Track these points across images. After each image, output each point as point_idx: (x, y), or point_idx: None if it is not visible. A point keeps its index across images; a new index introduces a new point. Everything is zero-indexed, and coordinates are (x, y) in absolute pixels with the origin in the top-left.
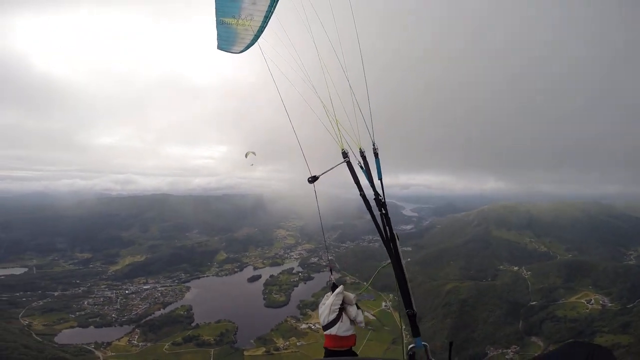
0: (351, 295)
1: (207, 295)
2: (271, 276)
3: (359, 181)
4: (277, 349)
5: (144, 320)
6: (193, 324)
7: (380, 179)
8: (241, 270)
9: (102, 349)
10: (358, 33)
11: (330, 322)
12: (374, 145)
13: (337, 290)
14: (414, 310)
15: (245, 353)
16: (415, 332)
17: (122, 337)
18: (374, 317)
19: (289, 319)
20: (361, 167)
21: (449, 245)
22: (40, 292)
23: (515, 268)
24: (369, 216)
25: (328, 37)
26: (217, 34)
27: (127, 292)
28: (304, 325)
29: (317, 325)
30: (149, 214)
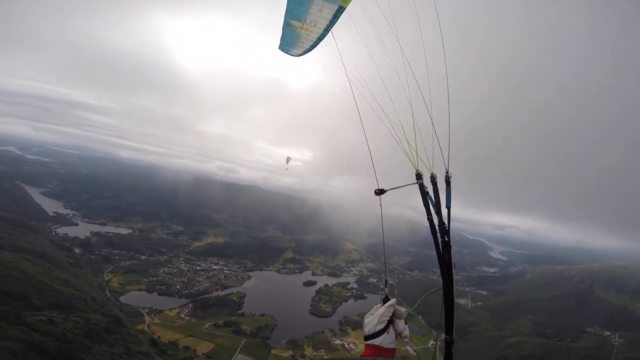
0: (402, 310)
1: (262, 288)
2: (325, 285)
3: (429, 205)
4: (303, 356)
5: (200, 297)
6: (239, 311)
7: (448, 207)
8: (301, 272)
9: (153, 314)
10: (443, 46)
11: (377, 332)
12: (447, 172)
13: (390, 302)
14: (453, 337)
15: (273, 351)
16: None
17: (174, 309)
18: (414, 352)
19: (326, 330)
20: (426, 191)
21: (532, 296)
22: (132, 253)
23: (607, 333)
24: None
25: (403, 54)
26: (282, 35)
27: (198, 268)
28: (338, 341)
29: (351, 345)
30: (240, 202)
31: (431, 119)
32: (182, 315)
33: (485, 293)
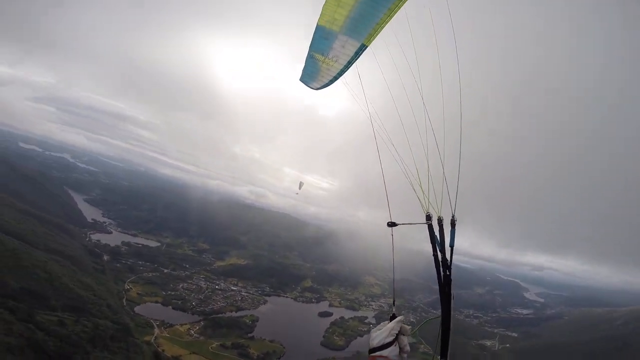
0: (407, 327)
1: (277, 314)
2: (341, 318)
3: (435, 242)
4: None
5: (212, 315)
6: (250, 334)
7: (451, 246)
8: (317, 302)
9: (163, 327)
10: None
11: (386, 344)
12: (453, 216)
13: (399, 318)
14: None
15: None
16: None
17: (186, 324)
18: None
19: None
20: (433, 231)
21: (568, 340)
22: (156, 265)
23: None
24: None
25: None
26: (304, 66)
27: (216, 287)
28: None
29: None
30: (267, 226)
31: (443, 168)
32: (192, 332)
33: (516, 335)
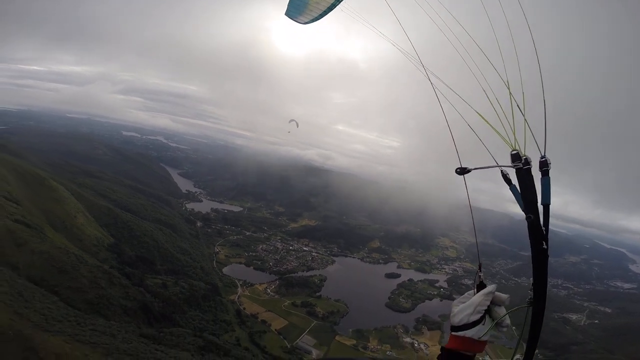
0: (504, 296)
1: (344, 274)
2: (410, 280)
3: (535, 196)
4: (365, 347)
5: (286, 275)
6: (317, 294)
7: (546, 203)
8: (385, 263)
9: (245, 287)
10: None
11: (471, 323)
12: (543, 157)
13: (488, 288)
14: None
15: (337, 337)
16: None
17: (264, 284)
18: None
19: (398, 326)
20: (509, 180)
21: None
22: (239, 229)
23: None
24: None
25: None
26: (290, 0)
27: (290, 248)
28: (408, 339)
29: (422, 345)
30: (335, 188)
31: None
32: (269, 291)
33: (609, 311)
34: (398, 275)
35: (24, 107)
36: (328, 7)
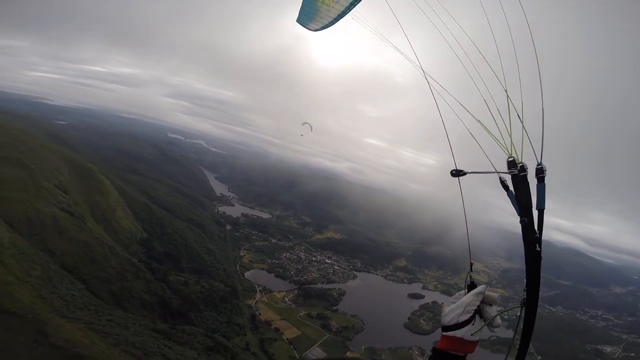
0: (495, 295)
1: (364, 290)
2: (434, 302)
3: (530, 201)
4: None
5: (306, 285)
6: (334, 307)
7: (540, 208)
8: (410, 283)
9: (264, 293)
10: None
11: (461, 322)
12: (539, 164)
13: (478, 289)
14: None
15: (348, 353)
16: None
17: (282, 292)
18: None
19: (414, 347)
20: (506, 187)
21: None
22: (266, 235)
23: None
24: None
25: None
26: (301, 7)
27: (313, 259)
28: None
29: None
30: (364, 203)
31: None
32: (286, 299)
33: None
34: (422, 296)
35: (86, 105)
36: (338, 15)
